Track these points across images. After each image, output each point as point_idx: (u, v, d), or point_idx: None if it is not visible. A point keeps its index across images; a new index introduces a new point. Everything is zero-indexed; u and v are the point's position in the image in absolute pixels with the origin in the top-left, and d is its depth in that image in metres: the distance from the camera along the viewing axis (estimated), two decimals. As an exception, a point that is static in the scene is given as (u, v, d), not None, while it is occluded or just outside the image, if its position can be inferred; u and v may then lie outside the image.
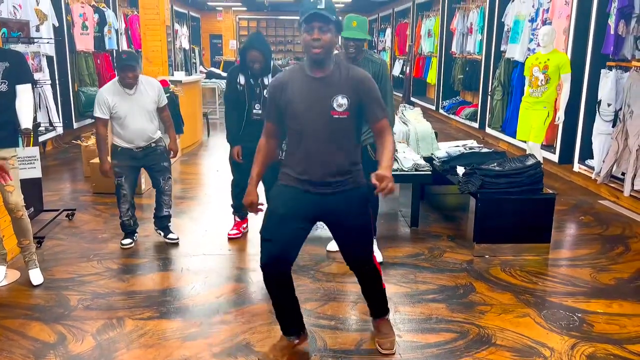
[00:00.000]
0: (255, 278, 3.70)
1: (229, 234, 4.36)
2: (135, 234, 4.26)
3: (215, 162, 7.23)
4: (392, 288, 3.52)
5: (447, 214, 5.06)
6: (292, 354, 2.75)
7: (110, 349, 2.80)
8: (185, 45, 15.82)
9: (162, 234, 4.26)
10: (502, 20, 8.21)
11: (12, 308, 3.19)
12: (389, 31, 16.48)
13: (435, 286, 3.55)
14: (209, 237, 4.36)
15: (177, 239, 4.23)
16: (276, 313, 2.74)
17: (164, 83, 6.57)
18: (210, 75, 12.31)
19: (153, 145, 4.03)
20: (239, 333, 2.96)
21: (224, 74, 12.57)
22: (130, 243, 4.17)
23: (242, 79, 4.00)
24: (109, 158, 4.01)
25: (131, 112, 3.89)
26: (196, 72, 14.44)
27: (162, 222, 4.26)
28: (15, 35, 5.01)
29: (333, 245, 3.83)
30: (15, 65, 3.35)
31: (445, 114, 10.95)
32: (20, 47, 5.17)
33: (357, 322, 3.12)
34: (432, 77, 12.23)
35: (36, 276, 3.51)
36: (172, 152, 4.18)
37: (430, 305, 3.30)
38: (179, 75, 8.60)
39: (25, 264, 3.52)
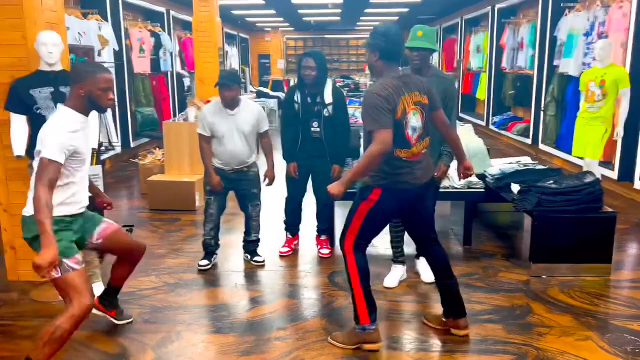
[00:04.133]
0: (308, 294, 3.73)
1: (279, 252, 4.42)
2: (214, 256, 4.20)
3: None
4: (446, 307, 3.47)
5: (500, 232, 4.96)
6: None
7: (169, 362, 2.89)
8: (235, 65, 16.26)
9: (249, 256, 4.26)
10: (555, 34, 8.04)
11: (78, 320, 3.33)
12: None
13: (491, 306, 3.48)
14: (261, 253, 4.43)
15: (263, 261, 4.21)
16: (369, 300, 2.92)
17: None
18: (259, 94, 12.58)
19: (245, 169, 4.03)
20: (293, 349, 2.99)
21: (272, 93, 12.85)
22: (207, 265, 4.09)
23: (298, 97, 4.07)
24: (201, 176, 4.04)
25: (229, 132, 3.88)
26: (246, 92, 14.78)
27: (250, 246, 4.26)
28: (82, 60, 5.31)
29: (390, 282, 3.81)
30: (83, 88, 3.55)
31: (495, 129, 10.76)
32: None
33: (411, 341, 3.09)
34: (481, 93, 12.07)
35: (98, 290, 3.66)
36: (267, 179, 4.13)
37: (485, 325, 3.23)
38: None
39: (89, 278, 3.67)
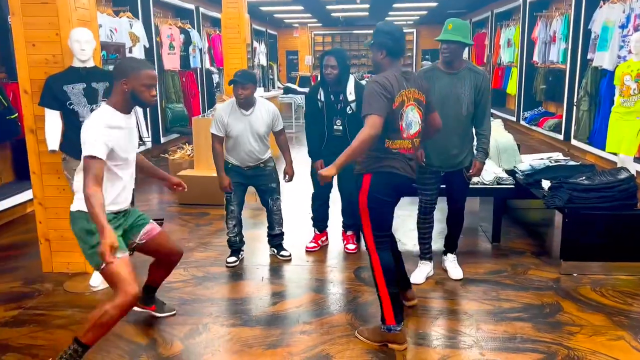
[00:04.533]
0: (334, 289, 3.74)
1: (306, 247, 4.43)
2: (241, 252, 4.23)
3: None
4: (474, 305, 3.44)
5: (530, 229, 4.87)
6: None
7: (197, 353, 2.93)
8: (263, 62, 16.34)
9: (275, 251, 4.29)
10: (589, 27, 7.84)
11: (109, 311, 3.41)
12: (465, 42, 16.19)
13: (520, 304, 3.43)
14: (288, 248, 4.44)
15: (290, 255, 4.24)
16: (395, 302, 2.91)
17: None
18: (287, 91, 12.62)
19: (262, 165, 4.04)
20: (319, 344, 3.00)
21: (300, 89, 12.87)
22: (235, 261, 4.13)
23: (321, 95, 4.07)
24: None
25: (244, 132, 3.88)
26: (274, 88, 14.85)
27: (275, 240, 4.28)
28: (113, 57, 5.41)
29: (417, 278, 3.77)
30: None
31: (526, 125, 10.57)
32: (116, 68, 5.57)
33: (438, 338, 3.06)
34: (512, 88, 11.87)
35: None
36: (287, 176, 4.16)
37: (514, 323, 3.18)
38: (258, 91, 8.86)
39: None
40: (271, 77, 16.88)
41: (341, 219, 4.48)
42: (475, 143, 3.63)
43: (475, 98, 3.47)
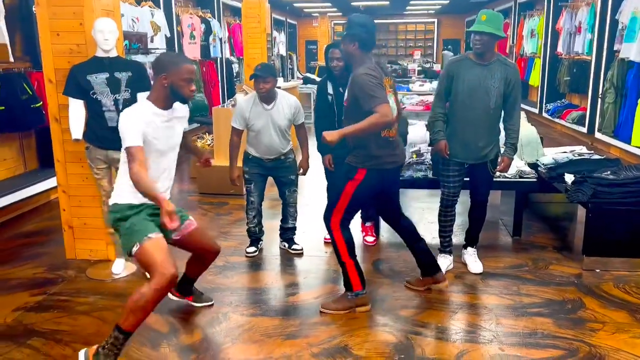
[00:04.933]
0: (352, 281, 3.73)
1: (325, 238, 4.43)
2: (260, 242, 4.27)
3: (310, 165, 7.36)
4: (493, 299, 3.41)
5: (552, 224, 4.81)
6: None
7: (217, 342, 2.97)
8: (283, 51, 16.30)
9: (287, 245, 4.29)
10: (616, 17, 7.65)
11: (130, 298, 3.46)
12: (488, 32, 15.93)
13: (541, 300, 3.39)
14: (307, 239, 4.45)
15: (301, 249, 4.24)
16: (359, 269, 3.22)
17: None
18: (306, 81, 12.57)
19: (282, 157, 4.03)
20: (338, 335, 3.01)
21: (319, 79, 12.82)
22: (255, 251, 4.17)
23: (330, 88, 4.04)
24: (239, 165, 4.06)
25: (266, 127, 3.88)
26: (293, 78, 14.81)
27: (287, 234, 4.27)
28: (135, 46, 5.45)
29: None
30: (137, 75, 3.66)
31: (549, 117, 10.40)
32: (140, 58, 5.61)
33: (458, 332, 3.05)
34: (534, 79, 11.68)
35: (119, 266, 3.85)
36: (301, 169, 4.14)
37: (535, 319, 3.15)
38: (278, 82, 8.86)
39: None
40: (290, 67, 16.83)
41: (359, 210, 4.46)
42: (502, 137, 3.58)
43: (505, 91, 3.43)
